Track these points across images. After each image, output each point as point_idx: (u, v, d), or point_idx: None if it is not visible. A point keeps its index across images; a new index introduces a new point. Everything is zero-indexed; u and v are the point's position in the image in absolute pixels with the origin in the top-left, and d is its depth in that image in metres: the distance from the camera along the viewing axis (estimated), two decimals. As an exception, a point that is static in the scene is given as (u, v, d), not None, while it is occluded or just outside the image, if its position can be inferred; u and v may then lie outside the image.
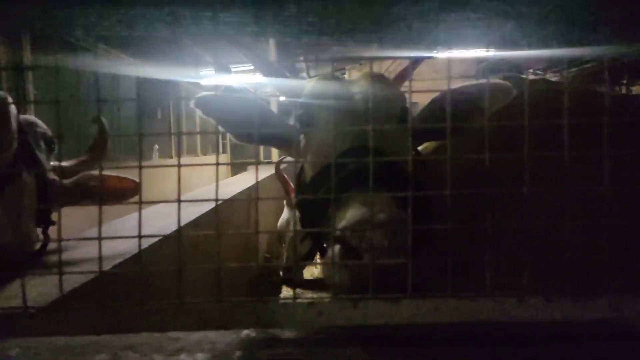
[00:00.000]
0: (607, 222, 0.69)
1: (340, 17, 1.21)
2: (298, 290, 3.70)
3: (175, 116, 9.98)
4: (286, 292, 3.88)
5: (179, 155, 9.56)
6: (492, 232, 0.69)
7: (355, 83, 1.29)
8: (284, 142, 1.37)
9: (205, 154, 11.67)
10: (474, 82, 1.34)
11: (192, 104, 1.25)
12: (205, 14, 1.14)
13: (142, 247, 0.72)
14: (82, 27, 1.24)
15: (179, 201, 0.74)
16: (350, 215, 0.94)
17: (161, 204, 2.26)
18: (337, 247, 0.94)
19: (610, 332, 0.70)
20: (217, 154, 0.69)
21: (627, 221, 0.73)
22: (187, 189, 4.15)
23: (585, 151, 0.67)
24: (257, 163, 0.92)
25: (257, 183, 0.80)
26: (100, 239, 0.70)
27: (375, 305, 0.66)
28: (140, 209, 0.75)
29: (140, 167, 0.75)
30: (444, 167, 1.23)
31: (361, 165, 1.00)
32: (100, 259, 0.70)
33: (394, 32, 1.31)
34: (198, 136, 11.62)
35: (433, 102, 1.36)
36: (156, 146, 9.65)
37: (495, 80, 1.31)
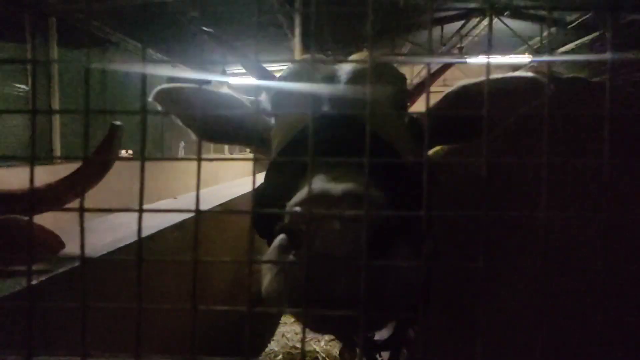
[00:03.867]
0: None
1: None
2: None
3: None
4: (286, 319, 3.41)
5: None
6: (490, 275, 0.46)
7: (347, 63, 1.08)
8: (259, 140, 1.16)
9: (232, 152, 11.65)
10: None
11: (150, 97, 1.06)
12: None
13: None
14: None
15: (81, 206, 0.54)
16: (303, 191, 0.67)
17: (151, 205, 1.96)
18: (279, 239, 0.67)
19: None
20: (142, 149, 0.52)
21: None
22: (215, 184, 3.97)
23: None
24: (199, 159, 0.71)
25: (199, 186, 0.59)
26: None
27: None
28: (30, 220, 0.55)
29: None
30: (452, 177, 0.99)
31: (337, 134, 0.79)
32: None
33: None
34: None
35: (445, 98, 1.13)
36: (182, 143, 9.65)
37: (520, 73, 1.07)
